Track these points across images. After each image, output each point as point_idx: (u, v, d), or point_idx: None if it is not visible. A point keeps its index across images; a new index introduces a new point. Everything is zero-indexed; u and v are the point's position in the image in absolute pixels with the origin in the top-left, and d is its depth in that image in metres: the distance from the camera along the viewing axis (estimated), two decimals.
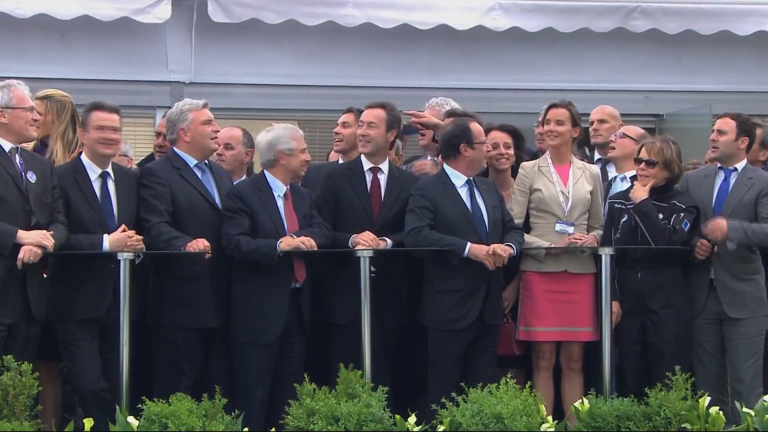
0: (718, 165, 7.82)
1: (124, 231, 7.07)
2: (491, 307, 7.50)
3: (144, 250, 7.10)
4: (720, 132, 7.76)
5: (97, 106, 7.31)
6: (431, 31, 11.37)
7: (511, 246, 7.41)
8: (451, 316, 7.44)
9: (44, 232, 6.81)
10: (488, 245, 7.39)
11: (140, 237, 7.09)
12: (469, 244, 7.38)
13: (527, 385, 6.80)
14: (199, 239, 7.17)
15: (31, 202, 6.89)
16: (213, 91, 10.65)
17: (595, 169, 8.01)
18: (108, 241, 7.07)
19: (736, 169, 7.75)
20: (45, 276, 7.09)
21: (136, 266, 7.09)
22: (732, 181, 7.74)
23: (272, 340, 7.33)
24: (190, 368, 7.36)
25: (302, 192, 7.68)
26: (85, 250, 7.06)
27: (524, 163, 7.88)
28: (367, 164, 7.79)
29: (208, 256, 7.17)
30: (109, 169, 7.30)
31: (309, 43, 11.39)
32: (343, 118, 8.48)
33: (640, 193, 7.60)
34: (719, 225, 7.51)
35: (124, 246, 7.04)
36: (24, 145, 7.13)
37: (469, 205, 7.54)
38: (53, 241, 6.81)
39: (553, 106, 7.91)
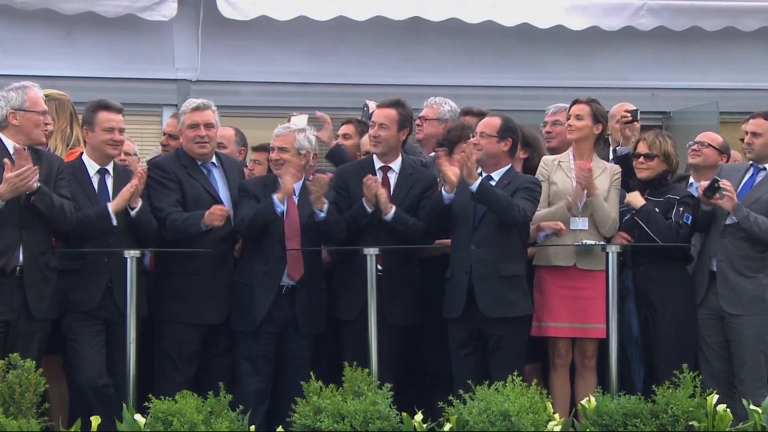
0: (750, 162, 7.83)
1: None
2: (487, 300, 7.33)
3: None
4: (755, 135, 7.73)
5: (104, 106, 7.32)
6: (440, 27, 11.33)
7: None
8: (446, 304, 7.49)
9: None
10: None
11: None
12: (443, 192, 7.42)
13: (534, 383, 6.80)
14: (214, 207, 7.27)
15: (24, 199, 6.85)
16: (220, 89, 10.65)
17: (617, 168, 7.91)
18: (110, 205, 7.10)
19: (765, 169, 7.77)
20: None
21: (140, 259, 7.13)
22: (758, 178, 7.76)
23: (252, 329, 7.38)
24: (185, 366, 7.38)
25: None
26: (92, 220, 7.08)
27: (545, 157, 7.95)
28: (378, 163, 7.82)
29: (228, 213, 7.29)
30: (109, 167, 7.34)
31: (316, 41, 11.34)
32: (343, 129, 8.64)
33: (638, 199, 7.66)
34: (732, 196, 7.49)
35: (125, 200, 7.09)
36: None
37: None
38: (35, 177, 6.72)
39: (575, 102, 7.95)
